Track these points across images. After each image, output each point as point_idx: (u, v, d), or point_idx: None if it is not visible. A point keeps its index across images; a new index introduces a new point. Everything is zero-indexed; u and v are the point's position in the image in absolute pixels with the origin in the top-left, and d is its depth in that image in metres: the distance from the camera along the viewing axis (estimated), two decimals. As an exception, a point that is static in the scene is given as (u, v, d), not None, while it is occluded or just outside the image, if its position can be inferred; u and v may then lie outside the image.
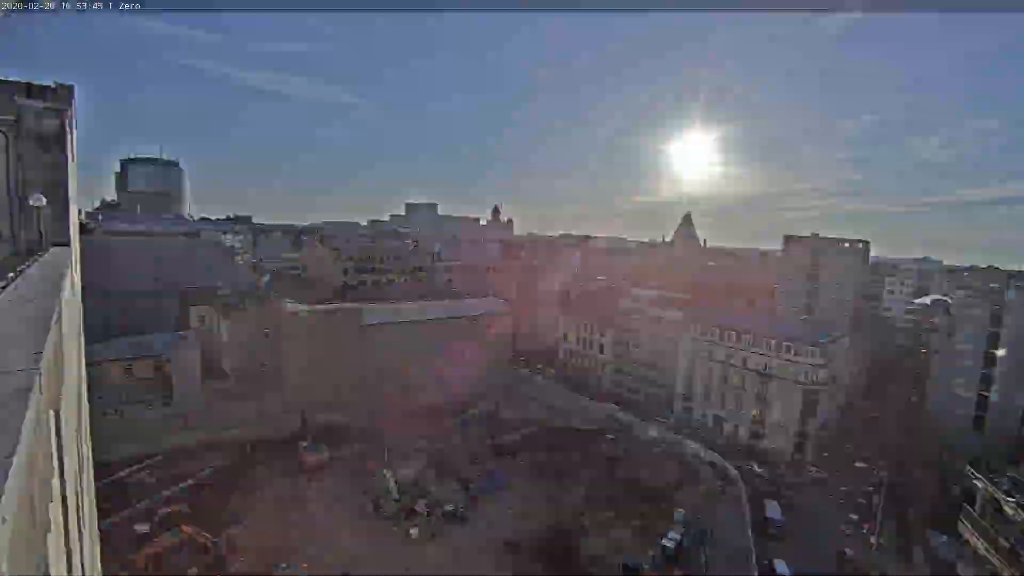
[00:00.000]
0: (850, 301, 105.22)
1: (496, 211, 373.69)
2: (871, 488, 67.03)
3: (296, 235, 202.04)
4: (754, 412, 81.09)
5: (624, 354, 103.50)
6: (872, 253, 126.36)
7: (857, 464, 59.81)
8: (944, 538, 53.30)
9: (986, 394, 75.19)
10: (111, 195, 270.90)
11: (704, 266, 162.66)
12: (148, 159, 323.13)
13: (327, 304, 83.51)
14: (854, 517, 61.83)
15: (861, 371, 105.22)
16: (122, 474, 58.88)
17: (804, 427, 77.47)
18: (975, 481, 45.18)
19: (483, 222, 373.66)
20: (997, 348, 73.95)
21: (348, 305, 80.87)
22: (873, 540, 56.13)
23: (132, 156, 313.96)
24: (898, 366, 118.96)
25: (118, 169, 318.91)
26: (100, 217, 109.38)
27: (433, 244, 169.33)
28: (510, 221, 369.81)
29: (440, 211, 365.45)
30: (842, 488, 68.50)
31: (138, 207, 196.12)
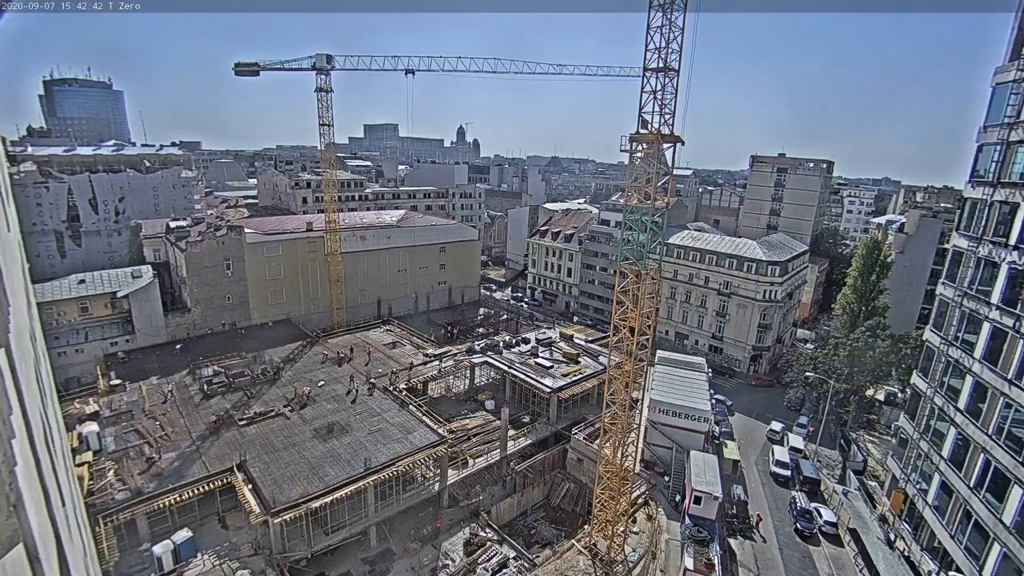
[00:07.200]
0: (811, 220, 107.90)
1: (462, 132, 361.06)
2: (818, 394, 72.35)
3: (249, 161, 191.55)
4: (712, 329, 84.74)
5: (589, 276, 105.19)
6: (835, 173, 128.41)
7: (808, 374, 64.03)
8: (874, 436, 59.41)
9: (927, 307, 80.00)
10: (38, 121, 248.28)
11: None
12: (77, 80, 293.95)
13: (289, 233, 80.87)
14: (803, 420, 67.17)
15: (819, 287, 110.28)
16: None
17: (761, 341, 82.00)
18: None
19: (448, 144, 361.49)
20: (942, 264, 77.48)
21: (311, 233, 78.54)
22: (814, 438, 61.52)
23: (55, 77, 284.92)
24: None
25: (41, 92, 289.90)
26: (28, 147, 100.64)
27: (395, 168, 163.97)
28: (476, 143, 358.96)
29: (401, 133, 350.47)
30: (792, 394, 73.85)
31: (71, 134, 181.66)
